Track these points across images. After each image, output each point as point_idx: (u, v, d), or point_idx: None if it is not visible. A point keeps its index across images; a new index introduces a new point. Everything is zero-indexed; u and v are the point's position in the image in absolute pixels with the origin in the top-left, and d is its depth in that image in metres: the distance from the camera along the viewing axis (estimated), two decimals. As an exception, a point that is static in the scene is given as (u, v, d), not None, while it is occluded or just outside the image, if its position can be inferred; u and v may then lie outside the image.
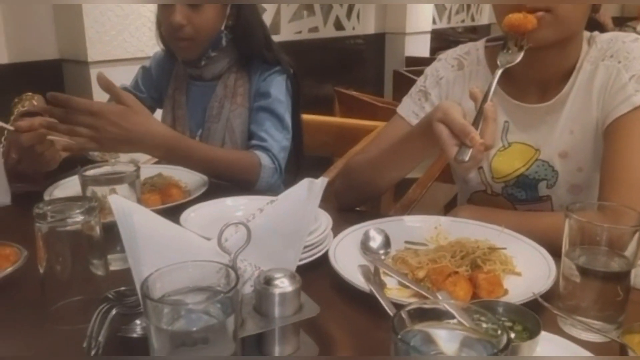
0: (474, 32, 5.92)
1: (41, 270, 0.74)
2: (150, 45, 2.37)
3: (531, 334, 0.62)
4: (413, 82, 1.24)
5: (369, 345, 0.71)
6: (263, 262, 0.68)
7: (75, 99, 1.07)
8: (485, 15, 6.29)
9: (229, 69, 1.47)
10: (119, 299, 0.68)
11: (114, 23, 2.51)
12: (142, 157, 1.27)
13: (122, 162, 1.00)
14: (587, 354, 0.64)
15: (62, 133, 1.08)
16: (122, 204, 0.64)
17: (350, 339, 0.73)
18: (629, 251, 0.68)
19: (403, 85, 2.86)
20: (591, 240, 0.69)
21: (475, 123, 0.85)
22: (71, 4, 2.40)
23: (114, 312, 0.66)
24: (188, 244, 0.68)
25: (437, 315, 0.50)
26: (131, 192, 0.89)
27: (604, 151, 1.00)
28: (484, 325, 0.49)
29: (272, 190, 1.32)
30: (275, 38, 1.53)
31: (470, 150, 0.83)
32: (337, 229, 0.94)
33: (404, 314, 0.49)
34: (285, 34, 3.84)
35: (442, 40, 5.32)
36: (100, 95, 1.23)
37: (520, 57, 0.96)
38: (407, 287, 0.79)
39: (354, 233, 0.94)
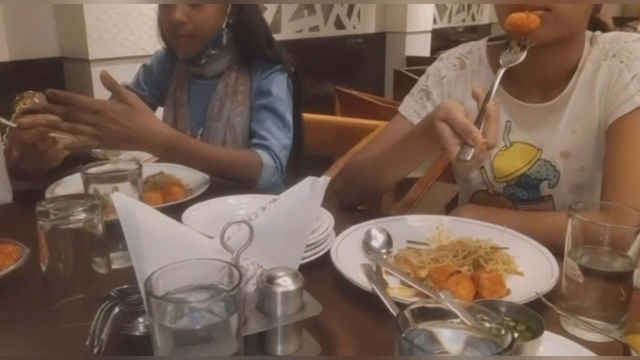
0: (474, 32, 5.92)
1: (43, 268, 0.74)
2: (151, 44, 2.38)
3: (534, 333, 0.62)
4: (414, 81, 1.24)
5: (372, 344, 0.71)
6: (265, 261, 0.68)
7: (78, 97, 1.07)
8: (486, 15, 6.28)
9: (230, 67, 1.46)
10: (121, 297, 0.68)
11: (115, 21, 2.51)
12: (143, 155, 1.27)
13: (124, 160, 0.99)
14: (589, 354, 0.64)
15: (64, 131, 1.08)
16: (124, 202, 0.64)
17: (353, 338, 0.73)
18: (632, 251, 0.68)
19: (404, 84, 2.87)
20: (594, 240, 0.69)
21: (477, 122, 0.85)
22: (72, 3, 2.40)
23: (116, 310, 0.66)
24: (191, 242, 0.68)
25: (440, 315, 0.50)
26: (133, 190, 0.89)
27: (606, 151, 1.00)
28: (487, 324, 0.48)
29: (273, 189, 1.31)
30: (276, 37, 1.53)
31: (472, 149, 0.83)
32: (338, 228, 0.94)
33: (407, 313, 0.49)
34: (286, 32, 3.84)
35: (442, 40, 5.32)
36: (101, 93, 1.23)
37: (523, 56, 0.96)
38: (410, 286, 0.79)
39: (355, 232, 0.94)
